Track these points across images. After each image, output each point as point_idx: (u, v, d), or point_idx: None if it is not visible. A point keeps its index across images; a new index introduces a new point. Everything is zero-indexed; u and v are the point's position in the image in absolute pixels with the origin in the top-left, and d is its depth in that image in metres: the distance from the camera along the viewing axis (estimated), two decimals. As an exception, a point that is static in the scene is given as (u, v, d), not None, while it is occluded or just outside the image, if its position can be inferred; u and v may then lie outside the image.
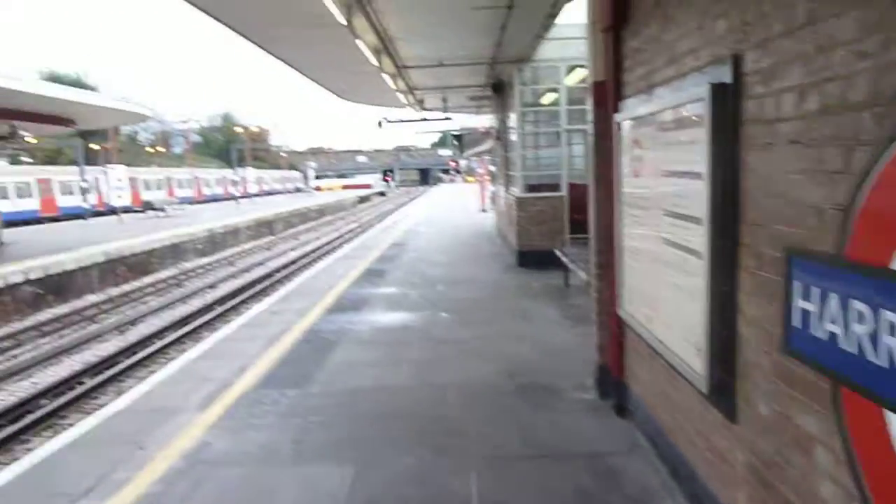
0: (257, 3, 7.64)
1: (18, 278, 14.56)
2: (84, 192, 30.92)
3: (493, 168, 27.10)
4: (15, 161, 46.53)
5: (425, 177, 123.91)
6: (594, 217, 5.30)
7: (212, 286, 17.82)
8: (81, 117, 20.40)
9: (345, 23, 7.14)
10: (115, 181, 28.42)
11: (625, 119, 4.45)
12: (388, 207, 54.51)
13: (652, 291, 4.00)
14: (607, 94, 4.85)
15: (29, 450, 7.47)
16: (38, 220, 34.61)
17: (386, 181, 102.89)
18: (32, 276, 14.94)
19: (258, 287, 16.94)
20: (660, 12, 3.86)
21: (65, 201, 37.68)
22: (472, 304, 9.12)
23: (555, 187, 12.44)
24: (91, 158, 58.49)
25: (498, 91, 14.92)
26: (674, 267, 3.57)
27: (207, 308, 14.76)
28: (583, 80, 12.41)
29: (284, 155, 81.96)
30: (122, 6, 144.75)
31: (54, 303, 15.48)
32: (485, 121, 31.21)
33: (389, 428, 4.90)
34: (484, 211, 28.51)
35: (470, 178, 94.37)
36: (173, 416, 5.33)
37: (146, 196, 42.18)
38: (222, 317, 14.05)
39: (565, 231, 11.69)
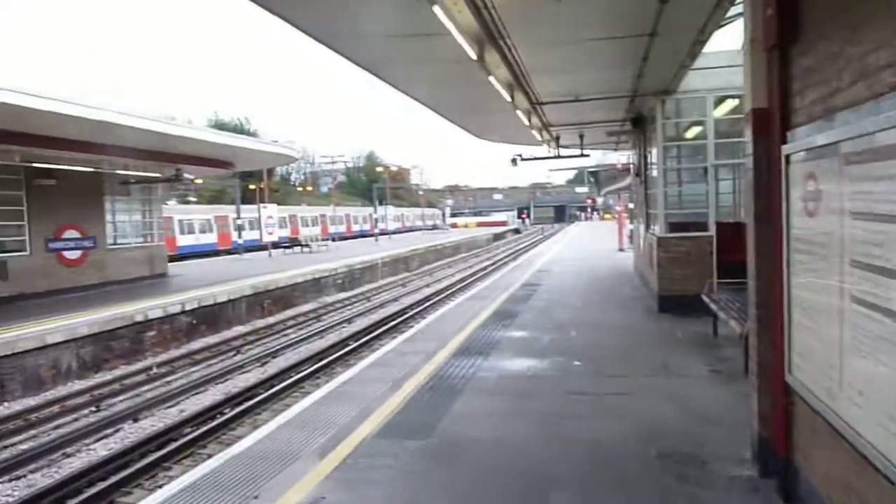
0: (393, 46, 7.64)
1: (176, 308, 15.52)
2: (239, 229, 33.08)
3: (631, 205, 25.93)
4: (183, 200, 50.96)
5: (561, 214, 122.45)
6: (753, 262, 4.58)
7: (348, 321, 18.17)
8: (238, 160, 21.87)
9: (475, 57, 6.91)
10: (266, 219, 30.17)
11: (795, 150, 3.77)
12: (523, 245, 53.95)
13: (833, 359, 3.26)
14: (770, 122, 4.18)
15: (170, 478, 7.67)
16: (216, 253, 37.99)
17: (521, 219, 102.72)
18: (188, 307, 15.87)
19: (391, 323, 17.02)
20: (843, 22, 3.20)
21: (185, 241, 40.71)
22: (607, 353, 8.42)
23: (701, 226, 11.46)
24: (250, 198, 63.37)
25: (638, 125, 14.17)
26: (867, 332, 2.85)
27: (342, 343, 14.96)
28: (733, 111, 11.45)
29: (422, 193, 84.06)
30: (281, 58, 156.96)
31: (206, 332, 16.35)
32: (623, 156, 30.19)
33: (512, 492, 4.40)
34: (621, 250, 27.30)
35: (607, 216, 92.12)
36: (291, 462, 5.15)
37: (304, 232, 45.30)
38: (356, 352, 14.17)
39: (713, 274, 10.66)
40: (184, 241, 37.66)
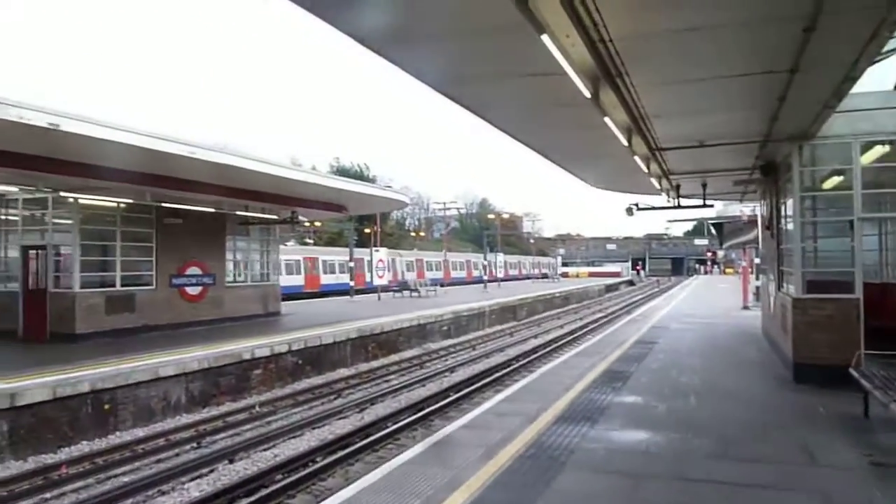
0: (499, 87, 7.22)
1: (283, 348, 15.60)
2: (350, 271, 33.71)
3: (757, 260, 23.97)
4: (302, 242, 53.05)
5: (678, 267, 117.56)
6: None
7: (451, 370, 17.66)
8: (351, 204, 22.21)
9: (589, 95, 6.32)
10: (377, 262, 30.52)
11: None
12: (637, 298, 51.79)
13: None
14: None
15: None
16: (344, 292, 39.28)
17: (636, 270, 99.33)
18: (294, 347, 15.93)
19: (494, 375, 16.35)
20: None
21: (328, 279, 42.35)
22: (736, 430, 7.32)
23: (844, 287, 10.05)
24: (365, 241, 65.17)
25: (768, 174, 12.89)
26: None
27: (442, 394, 14.44)
28: (883, 158, 10.12)
29: (533, 241, 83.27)
30: (402, 104, 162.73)
31: (310, 373, 16.32)
32: (748, 208, 28.18)
33: None
34: (746, 308, 25.22)
35: (729, 270, 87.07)
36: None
37: (427, 275, 47.05)
38: (456, 404, 13.60)
39: (860, 343, 9.27)
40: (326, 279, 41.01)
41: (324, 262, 42.62)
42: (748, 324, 19.31)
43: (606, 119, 7.61)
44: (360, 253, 41.61)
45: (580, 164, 13.04)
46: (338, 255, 43.81)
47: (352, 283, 32.92)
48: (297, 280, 39.94)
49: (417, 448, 6.88)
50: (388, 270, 47.89)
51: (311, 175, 18.49)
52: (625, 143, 9.06)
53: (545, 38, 4.68)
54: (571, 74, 5.80)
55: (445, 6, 5.10)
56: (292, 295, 35.17)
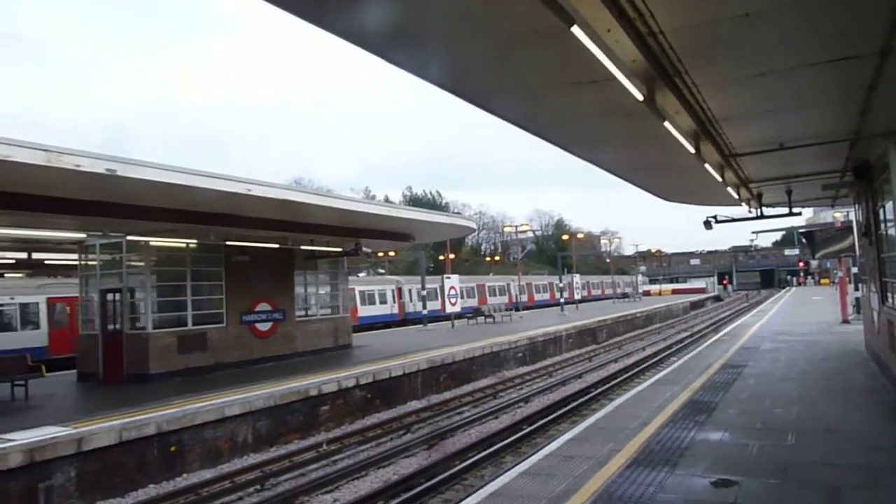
0: (543, 98, 6.59)
1: (351, 383, 15.29)
2: (423, 299, 33.40)
3: (855, 270, 22.03)
4: (376, 272, 53.44)
5: (768, 279, 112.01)
6: None
7: (525, 399, 16.95)
8: (416, 232, 21.90)
9: (641, 98, 5.58)
10: (448, 290, 30.10)
11: None
12: (724, 315, 49.31)
13: None
14: None
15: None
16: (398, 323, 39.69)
17: (723, 285, 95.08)
18: (363, 381, 15.60)
19: (571, 405, 15.51)
20: None
21: (410, 308, 42.42)
22: (843, 476, 6.23)
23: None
24: (443, 268, 65.26)
25: (862, 176, 11.54)
26: None
27: (515, 427, 13.72)
28: None
29: (609, 260, 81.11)
30: (471, 128, 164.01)
31: (380, 407, 15.94)
32: (841, 213, 26.09)
33: None
34: (847, 322, 23.16)
35: (824, 281, 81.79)
36: None
37: (491, 300, 47.33)
38: (528, 438, 12.90)
39: None
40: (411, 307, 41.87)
41: (409, 290, 43.08)
42: (850, 340, 17.59)
43: (667, 125, 6.80)
44: (435, 280, 41.61)
45: (645, 177, 12.20)
46: (412, 283, 44.05)
47: (424, 311, 32.52)
48: (389, 308, 40.55)
49: (479, 495, 6.18)
50: (472, 297, 48.68)
51: (373, 206, 18.33)
52: (692, 150, 8.19)
53: (577, 30, 4.02)
54: (618, 75, 5.08)
55: (461, 8, 4.55)
56: (383, 323, 35.40)
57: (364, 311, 39.11)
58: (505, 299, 54.54)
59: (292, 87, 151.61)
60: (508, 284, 56.33)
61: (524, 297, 56.69)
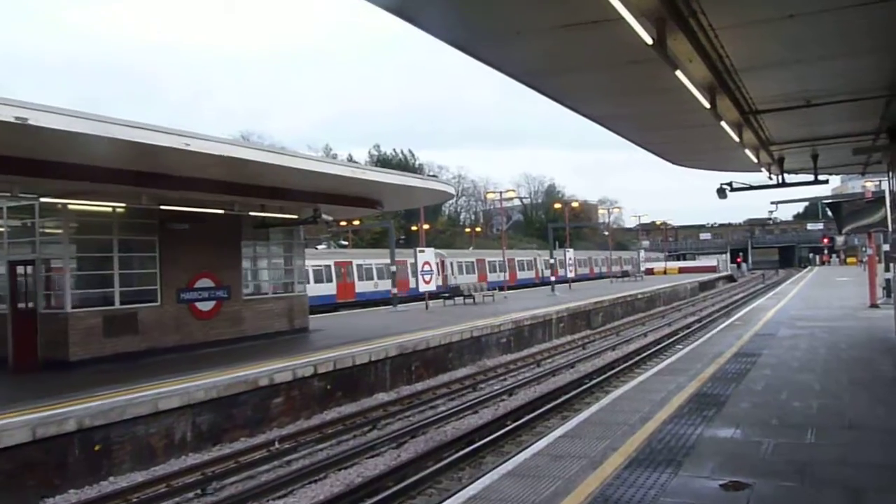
0: (543, 44, 6.53)
1: (308, 371, 15.32)
2: (392, 276, 33.42)
3: (886, 247, 22.45)
4: (338, 245, 53.33)
5: (788, 257, 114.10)
6: None
7: (509, 392, 17.16)
8: (385, 197, 21.81)
9: (650, 41, 5.55)
10: (422, 265, 30.11)
11: None
12: (738, 297, 50.14)
13: None
14: None
15: None
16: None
17: (736, 263, 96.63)
18: (322, 370, 15.62)
19: (560, 398, 15.75)
20: None
21: (364, 287, 42.87)
22: (871, 478, 6.39)
23: None
24: (414, 240, 65.16)
25: (899, 138, 11.77)
26: None
27: (498, 422, 13.88)
28: None
29: (608, 233, 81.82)
30: (446, 80, 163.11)
31: (342, 400, 16.00)
32: (873, 183, 26.51)
33: None
34: (875, 306, 23.67)
35: (851, 260, 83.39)
36: None
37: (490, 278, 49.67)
38: (513, 435, 13.12)
39: None
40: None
41: (359, 266, 43.45)
42: (878, 326, 17.99)
43: (679, 74, 6.80)
44: (406, 255, 41.82)
45: (652, 137, 12.30)
46: (376, 257, 44.31)
47: (394, 291, 32.56)
48: (328, 289, 40.79)
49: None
50: (471, 273, 50.18)
51: (334, 166, 18.15)
52: (707, 105, 8.23)
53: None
54: (624, 14, 5.04)
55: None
56: (321, 307, 35.91)
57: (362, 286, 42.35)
58: (505, 276, 56.78)
59: (243, 31, 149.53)
60: (513, 259, 57.59)
61: (505, 276, 57.41)
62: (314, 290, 39.86)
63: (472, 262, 57.09)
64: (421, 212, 38.59)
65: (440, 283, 47.85)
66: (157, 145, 12.11)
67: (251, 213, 19.59)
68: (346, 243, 55.92)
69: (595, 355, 22.91)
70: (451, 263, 52.55)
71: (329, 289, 40.88)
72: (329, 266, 41.27)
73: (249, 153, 14.35)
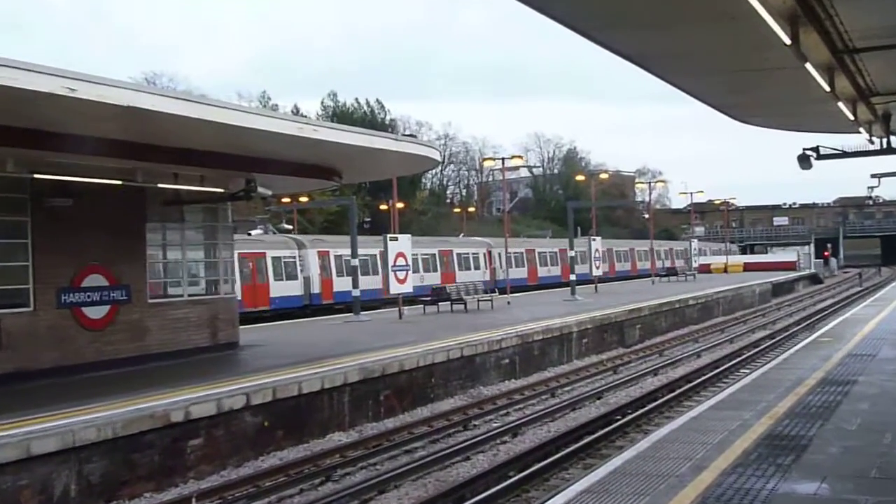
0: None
1: (238, 402, 15.36)
2: (354, 271, 33.49)
3: None
4: (278, 229, 53.28)
5: (893, 251, 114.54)
6: None
7: (513, 432, 17.37)
8: (346, 165, 21.81)
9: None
10: (394, 258, 30.15)
11: None
12: (824, 304, 50.57)
13: None
14: None
15: None
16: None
17: (823, 258, 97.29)
18: (257, 401, 15.70)
19: (582, 440, 15.91)
20: None
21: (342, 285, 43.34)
22: None
23: None
24: (382, 223, 65.17)
25: None
26: None
27: (496, 473, 14.03)
28: None
29: (648, 216, 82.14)
30: (442, 7, 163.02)
31: (284, 442, 16.10)
32: None
33: None
34: None
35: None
36: None
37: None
38: (516, 490, 13.19)
39: None
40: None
41: (338, 258, 44.86)
42: None
43: (754, 3, 6.89)
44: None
45: (710, 83, 12.48)
46: (369, 246, 45.27)
47: (356, 293, 32.62)
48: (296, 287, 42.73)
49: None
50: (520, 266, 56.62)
51: (275, 120, 18.07)
52: (787, 40, 8.34)
53: None
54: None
55: None
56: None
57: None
58: (558, 271, 62.04)
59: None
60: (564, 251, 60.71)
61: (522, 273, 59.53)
62: (281, 288, 41.42)
63: (522, 254, 61.70)
64: (394, 185, 38.33)
65: (487, 277, 55.65)
66: (29, 90, 12.06)
67: (160, 186, 19.52)
68: (289, 227, 55.87)
69: (630, 382, 23.20)
70: (500, 255, 56.12)
71: (296, 287, 42.27)
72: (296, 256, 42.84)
73: (157, 102, 14.27)
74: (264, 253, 43.47)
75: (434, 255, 55.29)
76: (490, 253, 59.38)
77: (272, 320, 37.11)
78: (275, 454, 15.51)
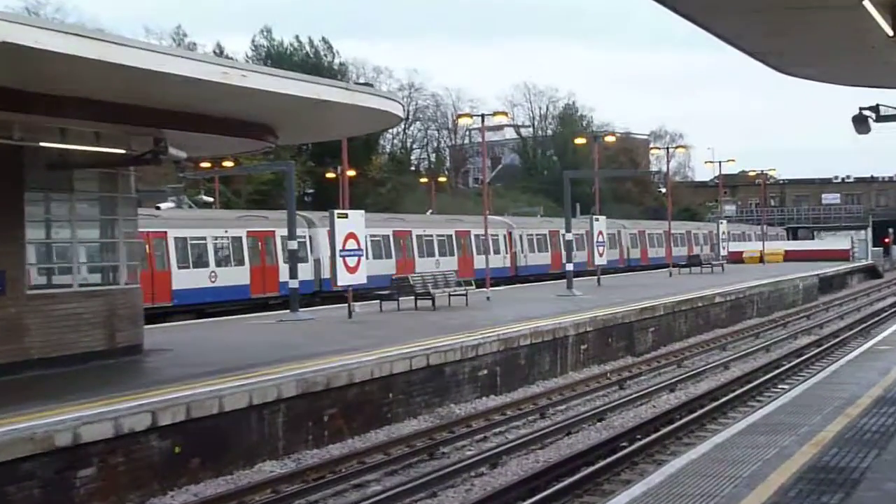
0: None
1: (142, 423, 15.33)
2: (293, 258, 33.40)
3: None
4: (196, 201, 53.03)
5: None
6: None
7: (493, 462, 17.40)
8: (281, 122, 21.67)
9: None
10: (342, 240, 30.02)
11: None
12: (884, 304, 50.97)
13: None
14: None
15: None
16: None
17: (883, 245, 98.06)
18: (165, 421, 15.65)
19: (579, 472, 15.94)
20: None
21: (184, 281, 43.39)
22: None
23: None
24: (327, 197, 64.83)
25: None
26: None
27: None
28: None
29: (663, 190, 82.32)
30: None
31: (201, 473, 16.11)
32: None
33: None
34: None
35: None
36: None
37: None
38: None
39: None
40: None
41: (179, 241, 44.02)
42: None
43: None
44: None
45: (748, 23, 12.46)
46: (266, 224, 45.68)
47: (293, 285, 32.58)
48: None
49: None
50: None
51: (188, 63, 17.84)
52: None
53: None
54: None
55: None
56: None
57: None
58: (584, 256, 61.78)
59: None
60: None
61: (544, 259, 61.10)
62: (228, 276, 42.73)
63: (545, 237, 64.59)
64: (343, 148, 37.94)
65: (507, 263, 57.75)
66: None
67: (42, 145, 19.39)
68: (209, 199, 55.65)
69: (640, 399, 23.34)
70: (521, 238, 60.04)
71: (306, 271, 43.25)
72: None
73: (40, 37, 14.08)
74: (273, 232, 45.00)
75: (451, 236, 57.54)
76: (510, 235, 61.07)
77: (283, 308, 37.58)
78: (188, 488, 15.51)
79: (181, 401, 16.05)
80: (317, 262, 46.83)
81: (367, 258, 34.33)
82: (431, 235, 56.53)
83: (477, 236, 56.02)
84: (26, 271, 20.15)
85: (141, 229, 41.53)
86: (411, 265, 52.64)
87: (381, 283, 38.97)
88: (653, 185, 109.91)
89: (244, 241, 45.31)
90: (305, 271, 44.56)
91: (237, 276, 44.21)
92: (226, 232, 44.98)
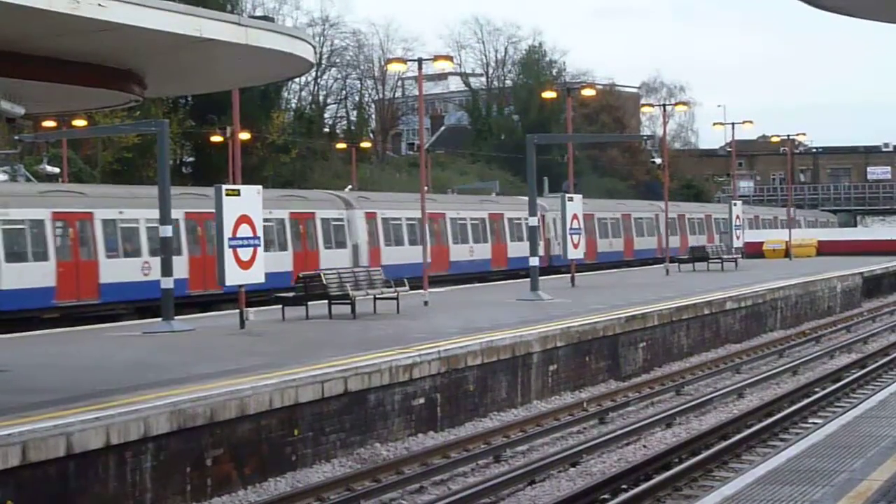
0: None
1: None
2: (164, 246, 33.32)
3: None
4: (33, 172, 52.59)
5: None
6: None
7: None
8: (151, 67, 21.60)
9: None
10: (234, 225, 29.91)
11: None
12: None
13: None
14: None
15: None
16: None
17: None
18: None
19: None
20: None
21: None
22: None
23: None
24: (212, 168, 64.51)
25: None
26: None
27: None
28: None
29: (658, 161, 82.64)
30: None
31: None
32: None
33: None
34: None
35: None
36: None
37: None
38: None
39: None
40: None
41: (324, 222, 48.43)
42: None
43: None
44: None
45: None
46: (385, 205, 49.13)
47: (166, 284, 32.46)
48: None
49: None
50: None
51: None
52: None
53: None
54: None
55: None
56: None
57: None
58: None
59: None
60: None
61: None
62: (331, 258, 46.02)
63: (484, 221, 66.46)
64: (235, 102, 37.73)
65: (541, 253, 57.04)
66: None
67: None
68: (54, 170, 55.27)
69: (627, 437, 23.49)
70: (555, 222, 63.11)
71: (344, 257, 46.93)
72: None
73: None
74: (313, 214, 48.37)
75: (484, 219, 61.64)
76: (544, 219, 62.47)
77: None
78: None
79: (15, 440, 15.93)
80: (354, 247, 51.07)
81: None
82: (341, 219, 55.78)
83: (386, 220, 56.95)
84: None
85: (297, 210, 46.02)
86: (314, 258, 52.30)
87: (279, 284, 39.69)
88: (645, 154, 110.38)
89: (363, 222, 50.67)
90: (343, 257, 48.87)
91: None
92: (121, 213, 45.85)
